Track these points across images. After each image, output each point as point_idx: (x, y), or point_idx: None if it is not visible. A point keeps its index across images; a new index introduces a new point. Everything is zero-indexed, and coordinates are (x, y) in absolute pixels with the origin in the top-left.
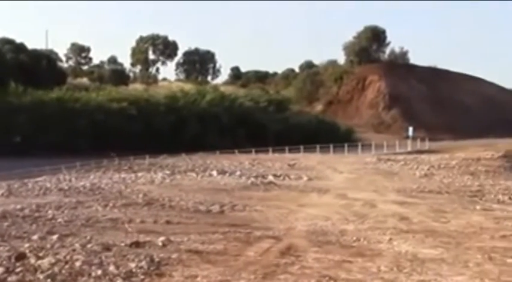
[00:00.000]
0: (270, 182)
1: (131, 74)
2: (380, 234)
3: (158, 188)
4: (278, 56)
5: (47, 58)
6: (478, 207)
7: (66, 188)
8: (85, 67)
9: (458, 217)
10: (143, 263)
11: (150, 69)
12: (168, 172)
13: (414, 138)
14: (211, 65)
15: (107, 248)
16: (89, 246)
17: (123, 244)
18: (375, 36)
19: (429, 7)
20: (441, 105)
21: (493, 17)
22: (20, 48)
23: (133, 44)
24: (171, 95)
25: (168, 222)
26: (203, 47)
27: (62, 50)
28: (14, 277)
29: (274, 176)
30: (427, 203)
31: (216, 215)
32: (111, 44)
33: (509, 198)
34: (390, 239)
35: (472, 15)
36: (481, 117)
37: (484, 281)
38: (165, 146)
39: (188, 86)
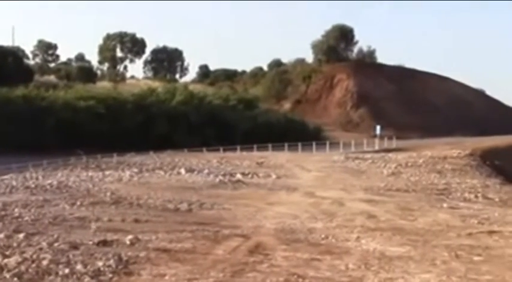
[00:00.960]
0: (238, 181)
1: (99, 72)
2: (348, 232)
3: (126, 186)
4: (246, 55)
5: (14, 55)
6: (444, 205)
7: (33, 186)
8: (52, 64)
9: (425, 215)
10: (111, 262)
11: (118, 67)
12: (136, 170)
13: (382, 137)
14: (179, 63)
15: (75, 246)
16: (56, 244)
17: (90, 242)
18: (343, 35)
19: (396, 6)
20: (409, 104)
21: (459, 16)
22: None
23: (101, 41)
24: (139, 93)
25: (136, 220)
26: (171, 44)
27: (28, 47)
28: None
29: (243, 174)
30: (395, 201)
31: (185, 213)
32: (79, 41)
33: (475, 196)
34: (358, 237)
35: (438, 15)
36: (448, 116)
37: (450, 278)
38: (133, 144)
39: (156, 84)
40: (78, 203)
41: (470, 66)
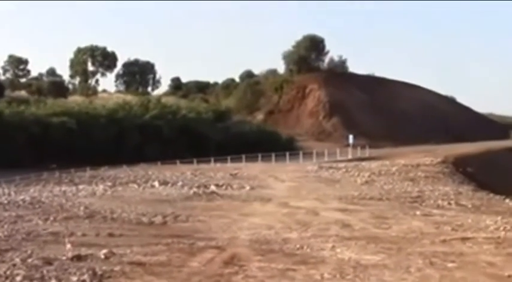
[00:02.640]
0: (213, 192)
1: (70, 86)
2: (323, 241)
3: (100, 200)
4: (218, 66)
5: None
6: (418, 212)
7: (5, 202)
8: (23, 79)
9: (399, 223)
10: (85, 277)
11: (90, 81)
12: (109, 184)
13: (355, 146)
14: (151, 76)
15: (48, 262)
16: (29, 260)
17: (64, 258)
18: (314, 45)
19: (366, 15)
20: (381, 113)
21: (429, 24)
22: None
23: (72, 55)
24: (112, 107)
25: (110, 234)
26: (143, 57)
27: None
28: None
29: (217, 185)
30: (369, 209)
31: (159, 226)
32: (50, 55)
33: (449, 203)
34: (333, 246)
35: (408, 23)
36: (420, 124)
37: None
38: (106, 158)
39: (128, 98)
40: (52, 218)
41: (439, 74)
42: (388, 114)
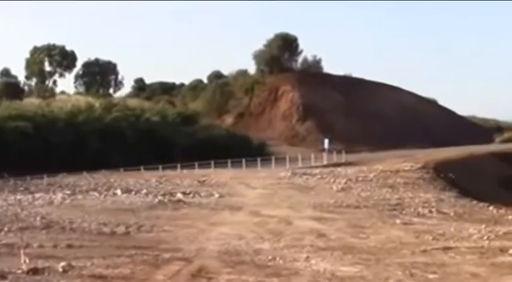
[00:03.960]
0: (179, 200)
1: (26, 88)
2: (297, 252)
3: (58, 209)
4: (184, 66)
5: None
6: (397, 221)
7: None
8: None
9: (378, 232)
10: None
11: (47, 82)
12: (68, 192)
13: (330, 151)
14: (113, 77)
15: (2, 275)
16: None
17: (19, 271)
18: (287, 44)
19: (341, 13)
20: (358, 116)
21: (409, 23)
22: None
23: (28, 55)
24: (71, 109)
25: (69, 246)
26: (104, 57)
27: None
28: None
29: (183, 193)
30: (345, 218)
31: (121, 236)
32: (3, 55)
33: (430, 211)
34: (307, 257)
35: (387, 21)
36: (399, 128)
37: None
38: (65, 165)
39: (89, 100)
40: (6, 228)
41: (421, 76)
42: (366, 117)
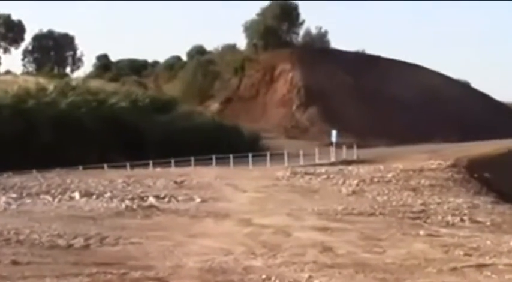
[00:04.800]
0: (151, 206)
1: None
2: (297, 270)
3: (1, 216)
4: (159, 41)
5: None
6: (421, 232)
7: None
8: None
9: (397, 246)
10: None
11: None
12: (14, 195)
13: (339, 145)
14: (70, 53)
15: None
16: None
17: None
18: (285, 13)
19: None
20: (372, 102)
21: None
22: None
23: None
24: (18, 93)
25: (14, 262)
26: (59, 29)
27: None
28: None
29: (157, 197)
30: (357, 228)
31: (80, 251)
32: None
33: (461, 219)
34: (310, 277)
35: None
36: (423, 116)
37: None
38: (10, 161)
39: (40, 81)
40: None
41: (449, 54)
42: (383, 103)
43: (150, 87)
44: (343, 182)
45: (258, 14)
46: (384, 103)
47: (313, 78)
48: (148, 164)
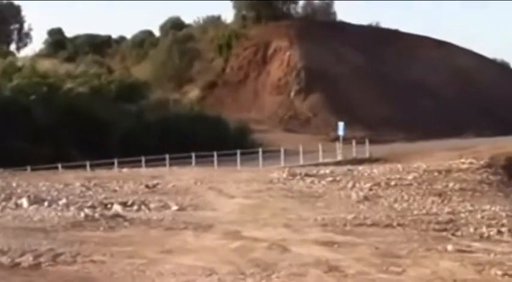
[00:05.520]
0: (117, 215)
1: None
2: None
3: None
4: (125, 12)
5: None
6: (449, 247)
7: None
8: None
9: (419, 264)
10: None
11: None
12: None
13: (347, 140)
14: (15, 26)
15: None
16: None
17: None
18: None
19: None
20: (389, 87)
21: None
22: None
23: None
24: None
25: None
26: None
27: None
28: None
29: (124, 205)
30: (370, 242)
31: (28, 271)
32: None
33: (498, 231)
34: None
35: None
36: (451, 105)
37: None
38: None
39: None
40: None
41: (484, 29)
42: (402, 88)
43: (114, 69)
44: (353, 186)
45: None
46: (404, 89)
47: (316, 58)
48: (112, 164)
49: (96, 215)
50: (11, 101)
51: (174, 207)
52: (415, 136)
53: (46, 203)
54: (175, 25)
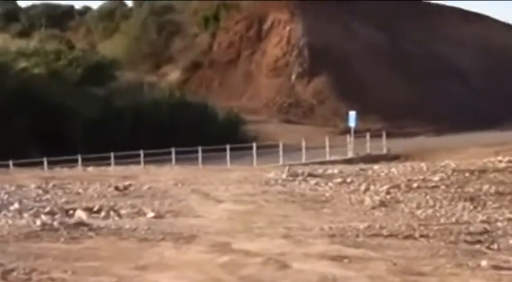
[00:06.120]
0: (80, 223)
1: None
2: None
3: None
4: None
5: None
6: (483, 262)
7: None
8: None
9: None
10: None
11: None
12: None
13: (360, 133)
14: None
15: None
16: None
17: None
18: None
19: None
20: (412, 69)
21: None
22: None
23: None
24: None
25: None
26: None
27: None
28: None
29: (89, 210)
30: (387, 256)
31: None
32: None
33: None
34: None
35: None
36: (488, 91)
37: None
38: None
39: None
40: None
41: None
42: (427, 71)
43: (77, 46)
44: (367, 189)
45: None
46: (429, 71)
47: (322, 34)
48: (75, 161)
49: (56, 223)
50: None
51: (150, 214)
52: (442, 128)
53: None
54: None
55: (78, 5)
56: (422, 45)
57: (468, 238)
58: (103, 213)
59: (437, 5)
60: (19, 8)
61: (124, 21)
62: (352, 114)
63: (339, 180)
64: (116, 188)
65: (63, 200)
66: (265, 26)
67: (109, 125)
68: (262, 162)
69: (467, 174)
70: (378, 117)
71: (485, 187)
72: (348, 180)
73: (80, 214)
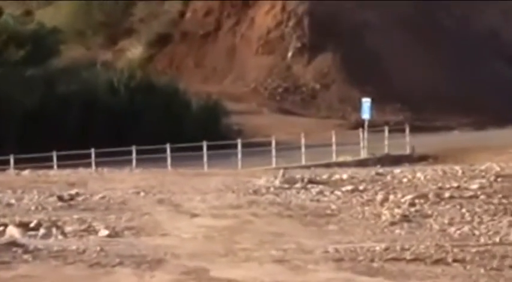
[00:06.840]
0: (13, 244)
1: None
2: None
3: None
4: None
5: None
6: None
7: None
8: None
9: None
10: None
11: None
12: None
13: (376, 127)
14: None
15: None
16: None
17: None
18: None
19: None
20: (443, 46)
21: None
22: None
23: None
24: None
25: None
26: None
27: None
28: None
29: (24, 226)
30: None
31: None
32: None
33: None
34: None
35: None
36: None
37: None
38: None
39: None
40: None
41: None
42: (463, 50)
43: (10, 13)
44: (385, 199)
45: None
46: (467, 49)
47: (326, 2)
48: (7, 163)
49: None
50: None
51: (103, 232)
52: (482, 121)
53: None
54: None
55: None
56: (459, 19)
57: None
58: (42, 231)
59: None
60: None
61: None
62: (366, 102)
63: (349, 188)
64: (60, 198)
65: None
66: None
67: (50, 116)
68: (249, 165)
69: None
70: (399, 106)
71: None
72: (361, 187)
73: (13, 232)
